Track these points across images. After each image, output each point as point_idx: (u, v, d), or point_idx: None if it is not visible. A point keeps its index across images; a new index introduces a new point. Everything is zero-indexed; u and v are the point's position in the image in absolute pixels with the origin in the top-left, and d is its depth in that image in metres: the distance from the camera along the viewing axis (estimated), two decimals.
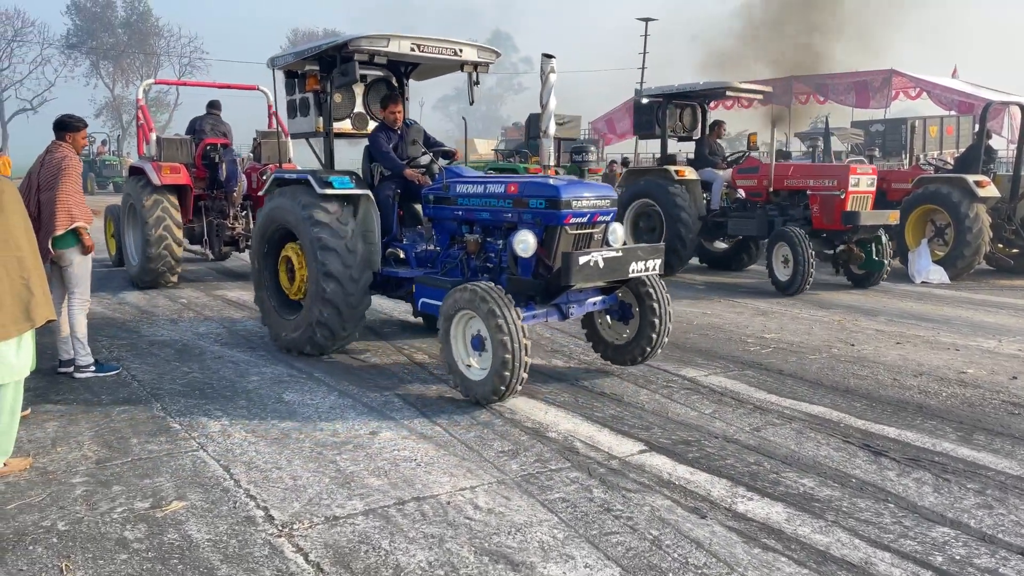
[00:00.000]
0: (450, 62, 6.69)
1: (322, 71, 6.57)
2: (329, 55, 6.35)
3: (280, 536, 3.38)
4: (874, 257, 9.96)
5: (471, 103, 6.76)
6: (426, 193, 6.31)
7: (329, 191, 6.21)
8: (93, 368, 5.84)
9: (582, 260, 5.07)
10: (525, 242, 5.27)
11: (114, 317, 8.08)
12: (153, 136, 10.60)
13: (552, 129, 5.77)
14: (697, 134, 12.21)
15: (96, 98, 62.42)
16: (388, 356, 6.54)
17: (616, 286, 5.82)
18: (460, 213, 5.98)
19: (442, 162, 6.72)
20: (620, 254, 5.32)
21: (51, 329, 5.64)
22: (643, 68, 31.36)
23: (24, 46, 59.98)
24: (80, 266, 5.70)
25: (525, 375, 5.04)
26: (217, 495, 3.79)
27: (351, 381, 5.77)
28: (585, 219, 5.43)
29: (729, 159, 11.99)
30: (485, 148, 64.77)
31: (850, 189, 9.70)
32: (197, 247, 10.70)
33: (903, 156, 27.09)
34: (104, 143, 39.07)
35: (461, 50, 6.48)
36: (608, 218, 5.62)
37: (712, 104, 12.47)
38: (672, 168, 11.28)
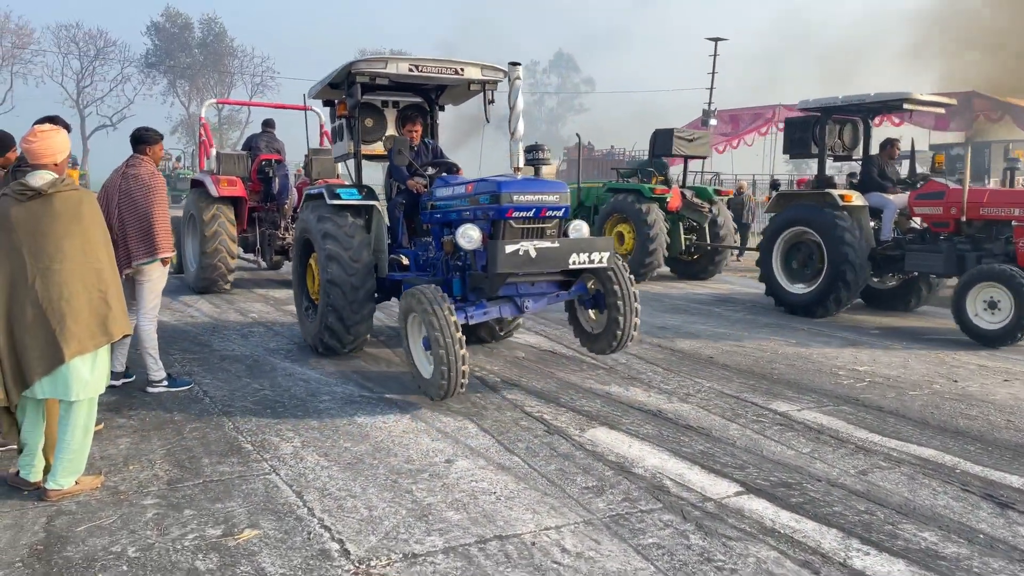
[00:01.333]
0: (453, 80, 6.95)
1: (347, 97, 7.03)
2: (340, 80, 6.88)
3: (357, 573, 3.16)
4: None
5: (487, 121, 7.21)
6: (423, 202, 6.61)
7: (337, 202, 6.69)
8: (166, 383, 5.79)
9: (508, 248, 5.20)
10: (468, 235, 5.49)
11: (186, 330, 8.08)
12: (213, 151, 11.45)
13: (520, 131, 6.23)
14: (857, 153, 10.55)
15: (172, 115, 64.69)
16: None
17: (572, 279, 5.92)
18: (439, 216, 6.30)
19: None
20: (557, 245, 5.40)
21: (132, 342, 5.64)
22: (711, 88, 30.90)
23: (106, 65, 62.59)
24: (158, 281, 5.70)
25: (465, 368, 5.08)
26: (290, 524, 3.60)
27: (424, 404, 5.56)
28: (530, 213, 5.55)
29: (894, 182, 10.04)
30: (547, 168, 64.81)
31: None
32: (250, 256, 11.35)
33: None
34: (179, 159, 40.32)
35: (463, 69, 6.76)
36: (559, 213, 5.68)
37: (877, 120, 10.81)
38: (836, 192, 9.47)
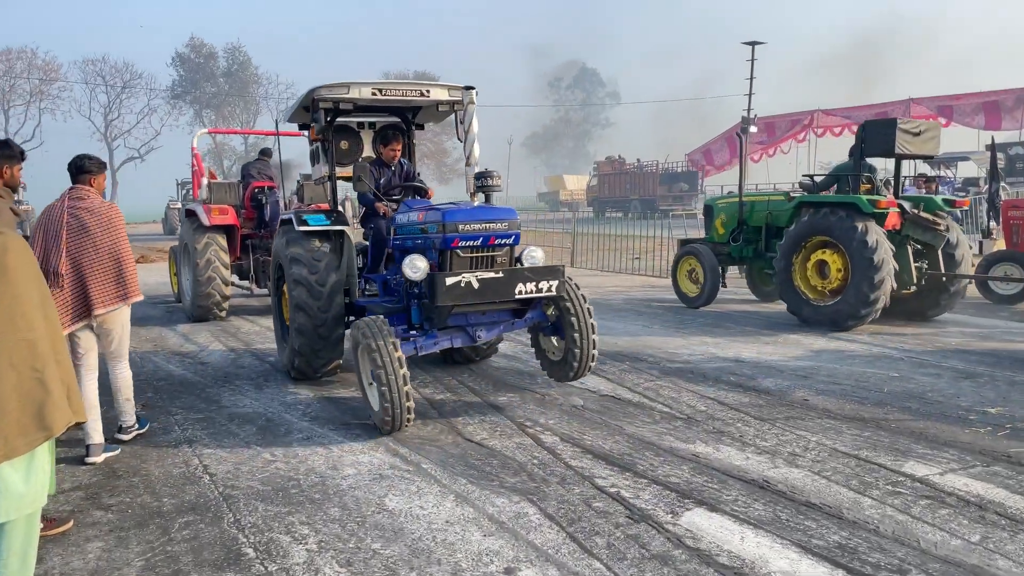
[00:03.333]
0: (419, 102, 6.94)
1: (313, 123, 7.01)
2: (306, 106, 6.90)
3: None
4: None
5: (459, 140, 6.98)
6: (389, 226, 6.53)
7: (304, 228, 6.63)
8: (137, 426, 5.40)
9: (449, 281, 5.21)
10: (414, 266, 5.43)
11: (195, 381, 7.12)
12: (205, 181, 11.60)
13: (476, 155, 6.34)
14: None
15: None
16: (509, 437, 5.27)
17: (525, 307, 5.80)
18: (398, 242, 6.27)
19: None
20: (501, 275, 5.36)
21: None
22: (750, 94, 29.59)
23: (132, 97, 62.94)
24: (126, 326, 5.16)
25: (411, 404, 5.11)
26: None
27: (469, 477, 4.52)
28: (478, 242, 5.52)
29: None
30: (576, 184, 63.88)
31: None
32: (245, 283, 11.38)
33: None
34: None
35: (429, 91, 6.82)
36: (508, 240, 5.63)
37: None
38: None
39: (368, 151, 7.71)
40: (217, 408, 6.18)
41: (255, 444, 5.23)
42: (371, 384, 5.42)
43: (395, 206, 6.71)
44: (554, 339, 6.16)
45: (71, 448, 5.08)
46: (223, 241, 10.48)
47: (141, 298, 5.10)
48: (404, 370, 5.06)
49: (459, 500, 4.19)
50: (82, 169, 4.97)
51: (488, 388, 6.60)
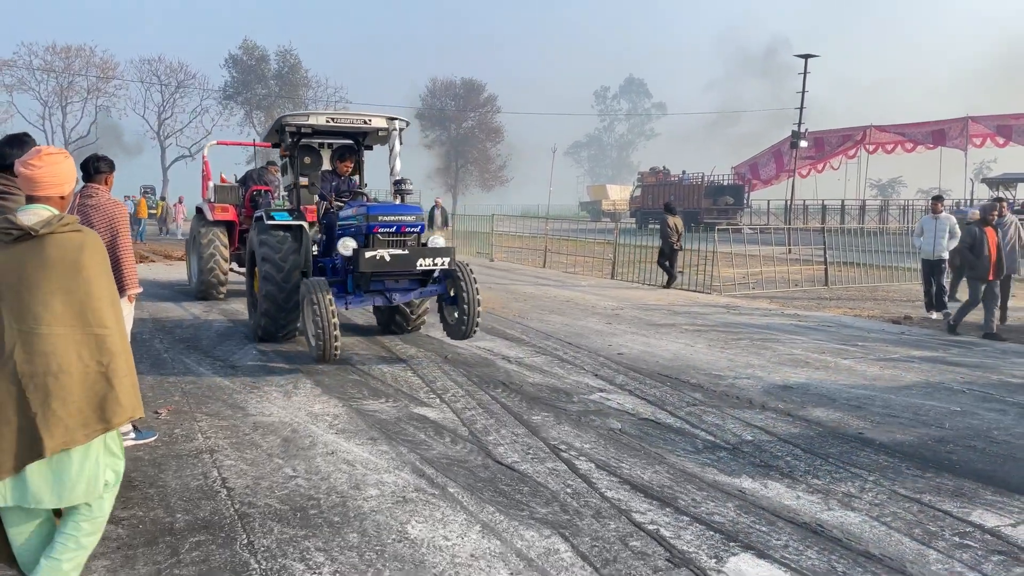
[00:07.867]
0: (363, 128, 8.78)
1: (281, 142, 8.95)
2: (276, 128, 8.84)
3: None
4: None
5: (390, 150, 9.13)
6: (335, 220, 8.24)
7: (271, 223, 8.44)
8: (133, 435, 5.11)
9: (367, 255, 7.12)
10: (346, 245, 7.31)
11: (223, 385, 6.97)
12: (211, 184, 13.59)
13: (398, 168, 8.99)
14: None
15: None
16: (542, 461, 4.98)
17: (425, 278, 7.69)
18: (340, 232, 7.94)
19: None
20: (407, 252, 7.27)
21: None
22: (801, 108, 28.86)
23: (185, 97, 64.11)
24: (127, 318, 5.16)
25: (337, 344, 6.70)
26: None
27: (497, 504, 4.25)
28: (392, 230, 7.43)
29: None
30: (619, 195, 63.28)
31: None
32: (243, 270, 12.54)
33: None
34: None
35: (370, 120, 8.63)
36: (416, 230, 7.55)
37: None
38: None
39: (327, 165, 9.51)
40: (243, 416, 6.00)
41: (277, 457, 5.03)
42: (312, 329, 6.84)
43: (341, 205, 8.39)
44: (452, 308, 7.73)
45: None
46: (224, 234, 12.31)
47: (140, 290, 5.28)
48: (335, 319, 6.63)
49: (486, 531, 3.93)
50: (98, 170, 5.28)
51: (522, 405, 6.33)
